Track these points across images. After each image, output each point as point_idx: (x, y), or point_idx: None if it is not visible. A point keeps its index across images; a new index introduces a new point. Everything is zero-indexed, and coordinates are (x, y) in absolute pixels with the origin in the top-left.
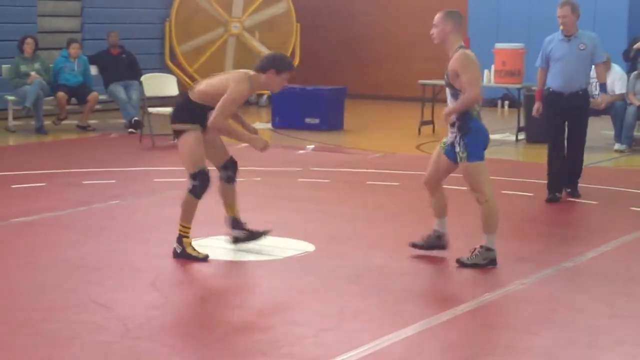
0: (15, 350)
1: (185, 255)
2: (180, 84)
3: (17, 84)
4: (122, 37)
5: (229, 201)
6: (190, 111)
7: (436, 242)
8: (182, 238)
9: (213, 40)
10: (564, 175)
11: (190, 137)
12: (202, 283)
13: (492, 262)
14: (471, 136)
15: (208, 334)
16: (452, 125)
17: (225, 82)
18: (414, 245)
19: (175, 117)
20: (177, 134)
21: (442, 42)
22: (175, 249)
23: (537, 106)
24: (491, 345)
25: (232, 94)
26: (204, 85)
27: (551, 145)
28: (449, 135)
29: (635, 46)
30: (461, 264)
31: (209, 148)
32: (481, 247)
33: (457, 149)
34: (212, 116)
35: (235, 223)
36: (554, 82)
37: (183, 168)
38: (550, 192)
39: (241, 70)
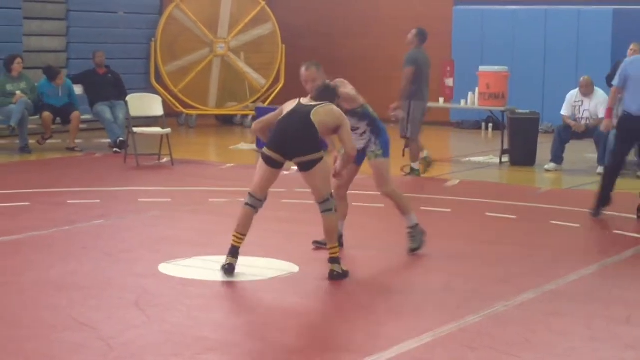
0: None
1: (345, 275)
2: (165, 104)
3: (3, 103)
4: (108, 57)
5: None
6: (318, 139)
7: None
8: (339, 259)
9: (198, 61)
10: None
11: (327, 162)
12: (185, 303)
13: (424, 235)
14: (383, 135)
15: (190, 353)
16: (362, 134)
17: (333, 117)
18: (316, 243)
19: (314, 148)
20: (309, 164)
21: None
22: (336, 272)
23: (606, 124)
24: None
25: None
26: (320, 117)
27: (613, 164)
28: (357, 144)
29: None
30: (412, 250)
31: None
32: (410, 227)
33: (372, 148)
34: (350, 146)
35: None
36: (631, 104)
37: (315, 193)
38: (597, 207)
39: (327, 103)
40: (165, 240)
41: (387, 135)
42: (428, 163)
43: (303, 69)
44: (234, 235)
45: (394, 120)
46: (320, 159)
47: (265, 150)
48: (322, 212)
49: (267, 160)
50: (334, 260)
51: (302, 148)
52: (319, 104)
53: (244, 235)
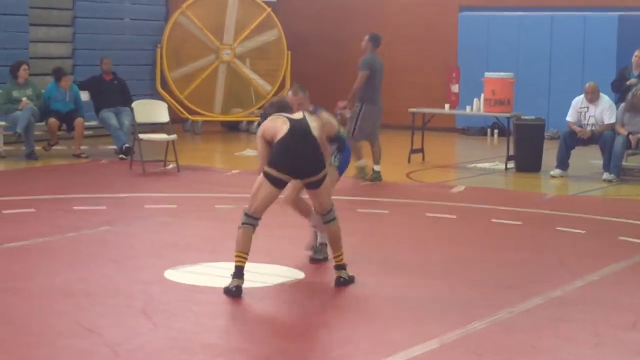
0: None
1: (351, 280)
2: (171, 110)
3: (9, 110)
4: (113, 63)
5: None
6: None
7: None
8: (345, 265)
9: (204, 67)
10: None
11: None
12: (191, 309)
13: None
14: (345, 153)
15: None
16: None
17: (324, 124)
18: (314, 260)
19: (324, 165)
20: (319, 182)
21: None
22: (343, 278)
23: None
24: None
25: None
26: (318, 132)
27: None
28: None
29: (627, 82)
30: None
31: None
32: (320, 244)
33: (330, 159)
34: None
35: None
36: None
37: (319, 207)
38: None
39: (308, 114)
40: (171, 247)
41: (349, 154)
42: (365, 173)
43: (290, 94)
44: (237, 256)
45: (339, 117)
46: (326, 175)
47: (271, 171)
48: (326, 222)
49: (275, 181)
50: (340, 266)
51: (316, 167)
52: (303, 118)
53: (247, 253)
